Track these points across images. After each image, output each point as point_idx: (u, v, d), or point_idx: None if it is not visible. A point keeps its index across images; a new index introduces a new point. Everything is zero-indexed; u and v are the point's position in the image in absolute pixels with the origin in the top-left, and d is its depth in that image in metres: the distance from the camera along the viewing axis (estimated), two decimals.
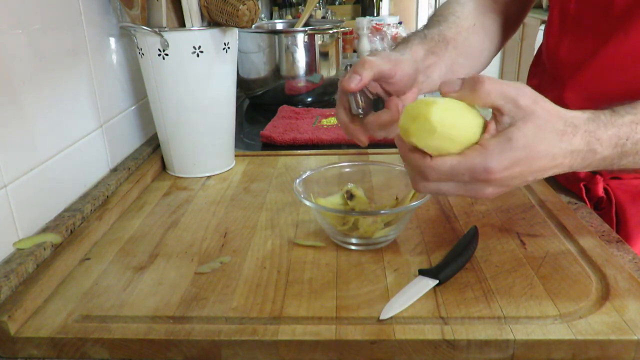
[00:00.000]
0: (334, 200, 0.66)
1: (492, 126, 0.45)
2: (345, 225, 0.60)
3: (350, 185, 0.67)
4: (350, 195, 0.66)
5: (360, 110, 0.57)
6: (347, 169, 0.70)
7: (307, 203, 0.58)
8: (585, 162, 0.46)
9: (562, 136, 0.44)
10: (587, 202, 0.71)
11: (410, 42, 0.67)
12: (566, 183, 0.74)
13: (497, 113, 0.45)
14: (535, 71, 0.84)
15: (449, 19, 0.73)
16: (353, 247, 0.59)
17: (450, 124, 0.44)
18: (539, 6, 3.65)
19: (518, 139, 0.43)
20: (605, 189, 0.71)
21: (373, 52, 0.65)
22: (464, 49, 0.73)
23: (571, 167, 0.46)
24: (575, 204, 0.70)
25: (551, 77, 0.75)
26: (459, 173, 0.44)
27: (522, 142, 0.43)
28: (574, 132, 0.45)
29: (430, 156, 0.45)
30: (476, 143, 0.45)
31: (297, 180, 0.63)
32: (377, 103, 0.60)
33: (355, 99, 0.57)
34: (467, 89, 0.45)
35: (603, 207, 0.72)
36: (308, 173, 0.66)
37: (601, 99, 0.66)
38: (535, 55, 0.84)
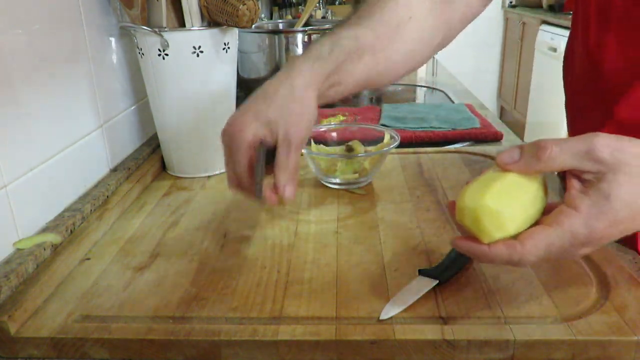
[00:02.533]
0: (334, 151, 0.79)
1: (574, 186, 0.40)
2: (326, 166, 0.75)
3: (353, 142, 0.77)
4: (350, 149, 0.76)
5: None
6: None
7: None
8: None
9: None
10: None
11: (316, 59, 0.54)
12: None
13: (576, 173, 0.40)
14: (575, 88, 0.71)
15: (375, 16, 0.58)
16: (332, 186, 0.75)
17: (514, 213, 0.40)
18: (539, 6, 3.64)
19: (616, 196, 0.38)
20: None
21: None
22: (384, 58, 0.59)
23: None
24: None
25: (593, 92, 0.64)
26: (559, 245, 0.40)
27: (620, 197, 0.38)
28: None
29: (519, 243, 0.40)
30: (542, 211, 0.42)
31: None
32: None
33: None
34: (529, 158, 0.40)
35: None
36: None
37: None
38: (565, 67, 0.74)
